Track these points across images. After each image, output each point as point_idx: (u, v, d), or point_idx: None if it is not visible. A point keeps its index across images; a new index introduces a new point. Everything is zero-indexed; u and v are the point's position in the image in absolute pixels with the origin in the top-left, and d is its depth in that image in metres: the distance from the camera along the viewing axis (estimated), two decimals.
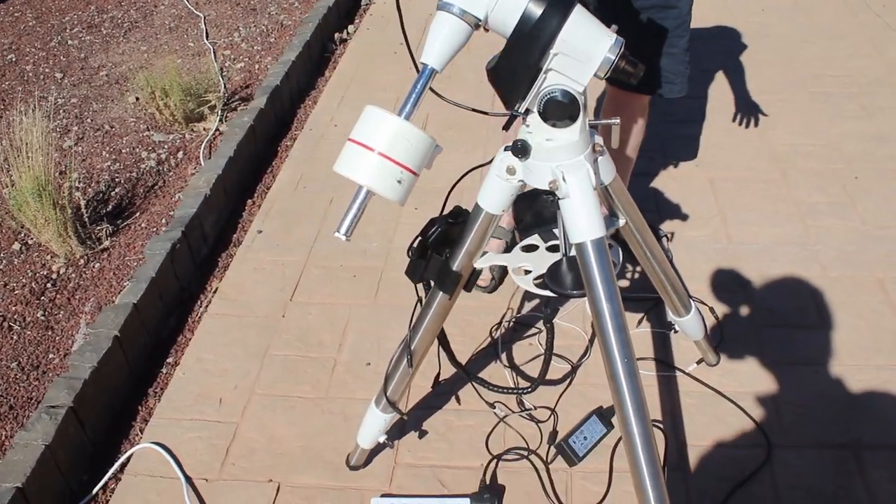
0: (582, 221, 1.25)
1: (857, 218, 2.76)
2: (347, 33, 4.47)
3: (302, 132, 3.49)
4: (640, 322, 2.36)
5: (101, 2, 5.12)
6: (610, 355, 1.29)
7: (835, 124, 3.30)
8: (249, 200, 3.08)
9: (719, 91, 3.62)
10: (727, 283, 2.51)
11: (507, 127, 1.25)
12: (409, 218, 2.88)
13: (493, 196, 1.36)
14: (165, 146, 3.43)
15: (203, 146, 3.35)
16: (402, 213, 2.90)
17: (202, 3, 5.00)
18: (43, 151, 2.78)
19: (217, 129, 3.45)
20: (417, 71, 1.18)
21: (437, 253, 1.44)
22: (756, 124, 3.31)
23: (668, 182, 2.99)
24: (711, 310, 2.37)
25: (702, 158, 3.13)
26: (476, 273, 1.48)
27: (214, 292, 2.60)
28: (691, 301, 1.89)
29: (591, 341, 2.24)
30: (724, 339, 2.29)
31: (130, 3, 5.08)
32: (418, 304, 1.55)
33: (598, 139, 1.32)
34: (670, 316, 1.94)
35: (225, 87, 3.80)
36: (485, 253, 1.46)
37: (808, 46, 3.95)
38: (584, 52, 1.17)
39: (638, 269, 2.53)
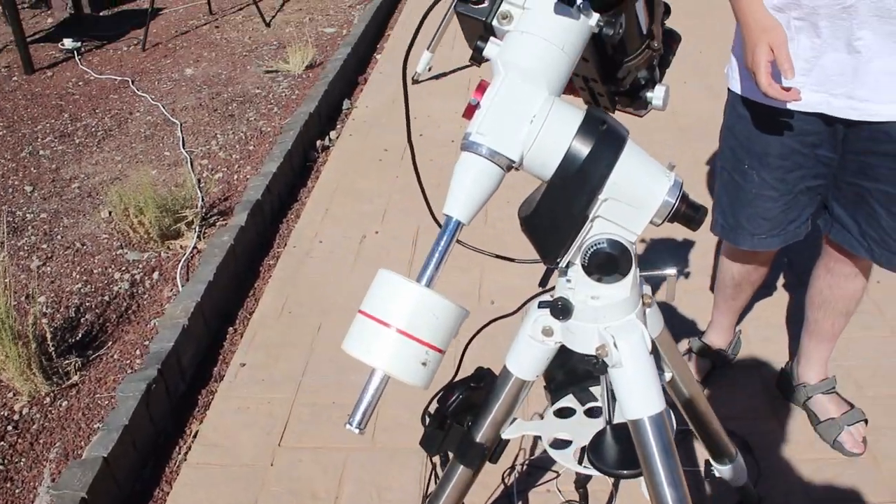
0: (639, 394, 1.04)
1: (886, 327, 2.57)
2: (329, 140, 4.31)
3: (285, 250, 3.28)
4: None
5: (75, 109, 4.98)
6: None
7: None
8: (231, 328, 2.85)
9: None
10: (758, 408, 2.30)
11: (543, 283, 1.05)
12: None
13: (526, 360, 1.15)
14: (140, 266, 3.21)
15: (180, 266, 3.13)
16: None
17: (178, 109, 4.86)
18: (2, 280, 2.56)
19: (195, 247, 3.24)
20: (437, 224, 0.98)
21: (458, 422, 1.22)
22: None
23: (681, 297, 2.80)
24: (745, 442, 2.15)
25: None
26: (502, 444, 1.25)
27: (194, 437, 2.34)
28: (735, 449, 1.67)
29: (616, 486, 2.00)
30: (761, 474, 2.06)
31: (105, 110, 4.95)
32: (433, 476, 1.32)
33: (647, 289, 1.12)
34: (708, 460, 1.71)
35: (203, 200, 3.61)
36: (514, 420, 1.24)
37: None
38: (638, 196, 0.98)
39: None
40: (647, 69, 1.17)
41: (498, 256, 1.17)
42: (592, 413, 1.29)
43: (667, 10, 1.23)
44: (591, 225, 0.99)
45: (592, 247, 1.00)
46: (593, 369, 1.08)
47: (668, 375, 1.27)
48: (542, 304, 1.11)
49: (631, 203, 0.98)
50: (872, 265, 1.98)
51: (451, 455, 1.27)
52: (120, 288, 3.07)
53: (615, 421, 1.21)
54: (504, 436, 1.23)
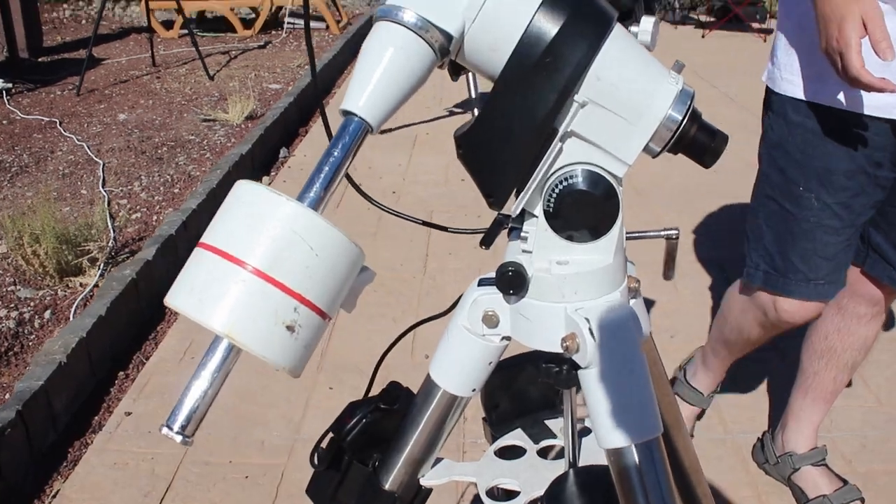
0: (624, 410, 0.69)
1: (870, 396, 2.29)
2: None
3: None
4: None
5: None
6: None
7: None
8: (122, 373, 2.44)
9: (684, 250, 3.21)
10: (735, 482, 1.96)
11: (487, 242, 0.72)
12: (322, 399, 2.27)
13: (459, 364, 0.80)
14: (32, 304, 2.80)
15: (76, 305, 2.73)
16: (312, 392, 2.29)
17: (104, 150, 4.52)
18: None
19: (96, 285, 2.85)
20: (328, 135, 0.65)
21: (360, 460, 0.86)
22: None
23: None
24: None
25: (675, 327, 2.65)
26: (423, 493, 0.89)
27: (53, 496, 1.91)
28: None
29: None
30: None
31: (25, 147, 4.60)
32: None
33: (632, 269, 0.80)
34: None
35: (115, 239, 3.23)
36: (439, 460, 0.88)
37: None
38: (630, 102, 0.66)
39: None
40: None
41: (426, 223, 0.84)
42: (547, 453, 0.94)
43: None
44: (559, 146, 0.67)
45: (562, 181, 0.68)
46: (554, 379, 0.74)
47: None
48: (483, 281, 0.77)
49: (620, 112, 0.66)
50: (889, 309, 1.69)
51: None
52: (3, 326, 2.66)
53: (581, 463, 0.87)
54: (425, 482, 0.87)
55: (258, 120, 4.97)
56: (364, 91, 0.62)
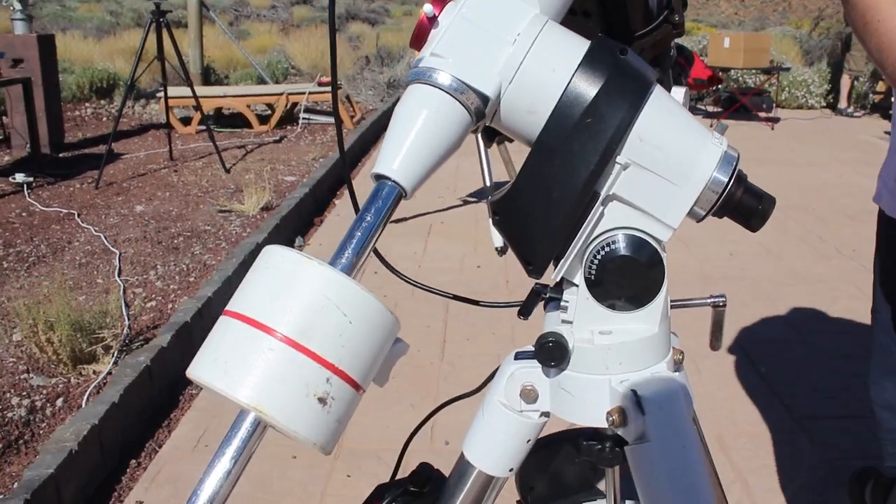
0: (676, 487, 0.65)
1: None
2: None
3: None
4: None
5: (11, 237, 4.70)
6: None
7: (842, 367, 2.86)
8: (134, 461, 2.38)
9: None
10: None
11: (525, 312, 0.70)
12: (339, 487, 2.20)
13: (495, 443, 0.76)
14: (44, 392, 2.78)
15: (88, 392, 2.70)
16: (329, 480, 2.23)
17: (121, 240, 4.56)
18: None
19: (109, 372, 2.82)
20: (355, 209, 0.64)
21: None
22: (758, 373, 2.82)
23: None
24: None
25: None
26: None
27: None
28: None
29: None
30: None
31: (42, 237, 4.65)
32: None
33: (676, 341, 0.76)
34: None
35: (129, 327, 3.22)
36: None
37: (791, 289, 3.64)
38: (674, 164, 0.64)
39: None
40: (662, 57, 0.87)
41: (457, 297, 0.82)
42: None
43: (684, 3, 0.94)
44: (601, 210, 0.65)
45: (604, 248, 0.65)
46: (596, 457, 0.70)
47: None
48: (520, 354, 0.74)
49: (664, 174, 0.64)
50: None
51: None
52: (15, 414, 2.63)
53: None
54: None
55: (274, 210, 5.01)
56: (397, 155, 0.60)
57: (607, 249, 0.66)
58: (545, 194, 0.63)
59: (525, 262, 0.66)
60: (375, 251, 0.69)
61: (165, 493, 2.21)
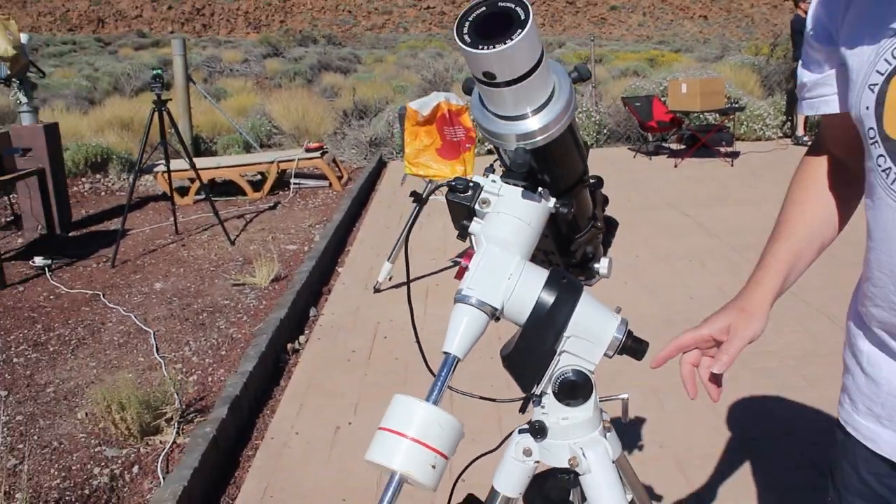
0: (606, 495, 1.27)
1: None
2: (299, 343, 4.57)
3: (263, 441, 3.44)
4: None
5: (48, 321, 5.19)
6: None
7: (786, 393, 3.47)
8: None
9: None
10: None
11: (523, 410, 1.30)
12: None
13: (510, 479, 1.37)
14: (119, 461, 3.33)
15: (160, 458, 3.27)
16: None
17: (150, 319, 5.10)
18: None
19: (174, 442, 3.39)
20: (430, 372, 1.24)
21: None
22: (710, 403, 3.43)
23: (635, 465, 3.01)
24: None
25: (663, 439, 3.20)
26: None
27: None
28: None
29: None
30: None
31: (78, 321, 5.16)
32: None
33: (605, 416, 1.38)
34: None
35: (180, 400, 3.79)
36: None
37: None
38: (594, 332, 1.26)
39: None
40: (593, 245, 1.50)
41: (482, 398, 1.42)
42: None
43: (605, 200, 1.57)
44: (558, 359, 1.27)
45: (561, 376, 1.27)
46: (566, 481, 1.31)
47: (629, 496, 1.49)
48: (521, 430, 1.35)
49: (589, 338, 1.26)
50: None
51: None
52: (99, 482, 3.17)
53: None
54: None
55: (283, 281, 5.59)
56: (454, 342, 1.21)
57: (563, 377, 1.27)
58: (529, 354, 1.25)
59: (522, 387, 1.28)
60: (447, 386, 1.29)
61: None
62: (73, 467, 3.30)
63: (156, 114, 6.63)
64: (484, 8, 1.12)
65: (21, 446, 3.50)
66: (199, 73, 22.39)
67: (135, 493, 3.09)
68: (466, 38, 1.09)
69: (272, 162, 8.89)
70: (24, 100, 7.61)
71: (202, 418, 3.54)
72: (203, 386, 3.99)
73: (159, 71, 6.85)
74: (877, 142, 1.06)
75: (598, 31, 75.12)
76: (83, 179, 10.23)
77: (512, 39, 1.05)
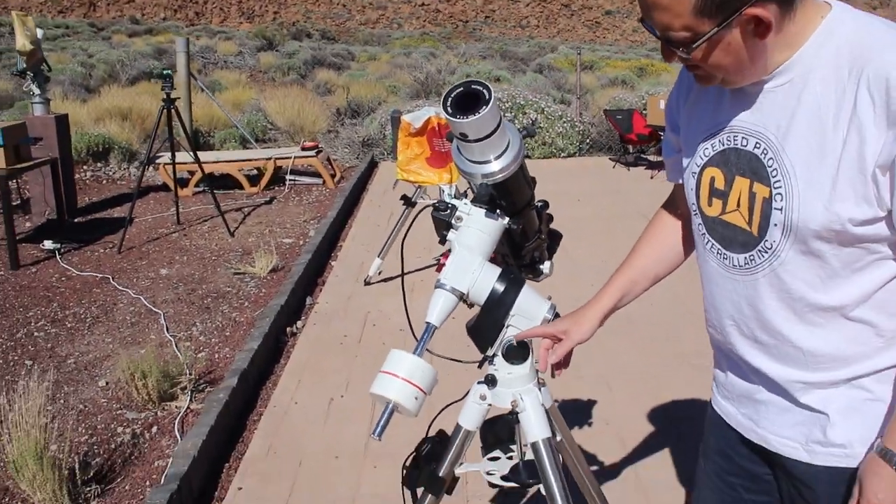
0: (536, 426, 1.80)
1: None
2: (297, 328, 5.09)
3: (267, 409, 3.96)
4: None
5: (63, 300, 5.65)
6: None
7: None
8: (226, 464, 3.48)
9: (618, 364, 4.32)
10: None
11: (480, 366, 1.83)
12: (371, 476, 3.33)
13: (470, 417, 1.90)
14: (139, 422, 3.83)
15: (177, 421, 3.78)
16: (363, 469, 3.35)
17: (159, 301, 5.58)
18: (38, 423, 3.18)
19: (188, 407, 3.90)
20: (415, 337, 1.76)
21: (427, 464, 1.94)
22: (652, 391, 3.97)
23: (584, 439, 3.55)
24: None
25: (609, 418, 3.74)
26: (456, 479, 1.97)
27: None
28: None
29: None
30: None
31: (91, 300, 5.62)
32: None
33: (542, 375, 1.91)
34: None
35: (191, 372, 4.29)
36: (461, 463, 1.97)
37: (692, 328, 4.77)
38: (531, 313, 1.79)
39: None
40: (539, 251, 2.03)
41: (451, 359, 1.95)
42: (510, 458, 2.03)
43: (550, 218, 2.11)
44: (506, 331, 1.80)
45: (507, 343, 1.80)
46: (510, 418, 1.85)
47: (558, 437, 2.02)
48: (479, 382, 1.88)
49: (528, 317, 1.79)
50: None
51: (418, 493, 1.98)
52: (123, 439, 3.68)
53: (524, 459, 1.96)
54: (457, 472, 1.96)
55: (281, 272, 6.10)
56: (433, 315, 1.72)
57: (509, 343, 1.80)
58: (487, 326, 1.78)
59: (480, 350, 1.80)
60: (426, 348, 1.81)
61: (255, 481, 3.30)
62: (99, 426, 3.80)
63: (164, 111, 7.09)
64: (462, 88, 1.64)
65: (50, 408, 3.99)
66: (195, 63, 22.64)
67: (154, 448, 3.60)
68: (449, 109, 1.62)
69: (269, 158, 9.36)
70: (37, 91, 8.04)
71: (211, 388, 4.05)
72: (211, 361, 4.50)
73: (169, 71, 7.33)
74: (697, 213, 1.58)
75: (592, 34, 75.68)
76: (85, 167, 10.58)
77: (479, 113, 1.58)
